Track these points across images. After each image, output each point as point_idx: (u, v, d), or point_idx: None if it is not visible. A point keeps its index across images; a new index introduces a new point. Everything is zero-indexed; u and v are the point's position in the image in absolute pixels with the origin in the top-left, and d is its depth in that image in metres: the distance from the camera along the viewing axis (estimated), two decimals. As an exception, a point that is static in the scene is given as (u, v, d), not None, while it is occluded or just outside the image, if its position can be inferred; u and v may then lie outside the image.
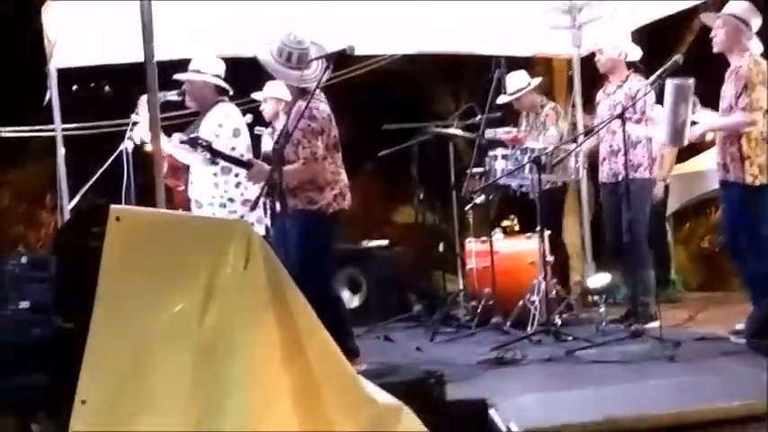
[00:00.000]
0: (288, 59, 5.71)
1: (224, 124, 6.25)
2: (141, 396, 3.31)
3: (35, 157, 13.74)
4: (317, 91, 5.70)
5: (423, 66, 12.54)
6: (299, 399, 3.52)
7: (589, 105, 8.50)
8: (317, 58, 5.67)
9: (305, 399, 3.54)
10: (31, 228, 14.92)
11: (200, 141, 5.73)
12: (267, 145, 7.51)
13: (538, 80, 8.40)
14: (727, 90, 6.17)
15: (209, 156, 5.81)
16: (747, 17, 6.11)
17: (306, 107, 5.48)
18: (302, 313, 3.67)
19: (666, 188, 8.90)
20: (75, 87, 6.98)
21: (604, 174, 7.27)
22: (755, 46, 6.15)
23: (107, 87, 6.94)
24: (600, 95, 7.51)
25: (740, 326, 6.11)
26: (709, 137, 6.62)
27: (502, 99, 7.94)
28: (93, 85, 6.92)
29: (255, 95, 7.83)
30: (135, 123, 6.48)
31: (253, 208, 5.80)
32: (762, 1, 6.29)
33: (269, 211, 6.01)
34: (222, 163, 6.10)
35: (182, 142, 6.11)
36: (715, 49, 6.21)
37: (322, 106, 5.74)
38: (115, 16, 6.96)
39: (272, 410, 3.45)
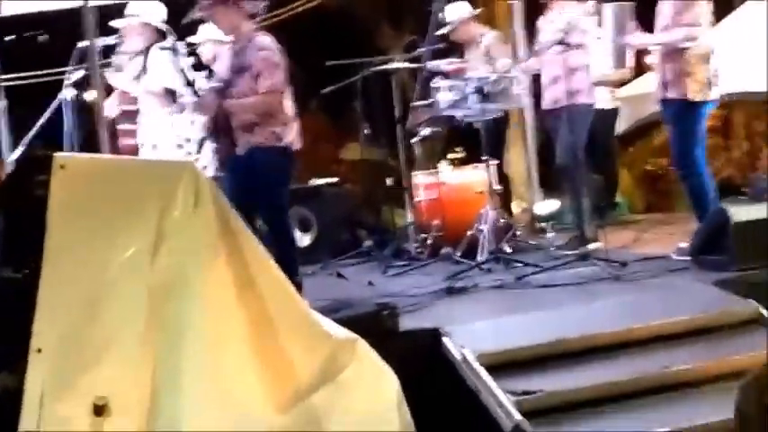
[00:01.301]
0: None
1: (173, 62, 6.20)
2: (97, 341, 3.31)
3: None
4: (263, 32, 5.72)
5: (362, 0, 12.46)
6: (255, 335, 3.54)
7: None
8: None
9: (260, 335, 3.56)
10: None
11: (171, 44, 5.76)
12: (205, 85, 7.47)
13: (477, 11, 8.38)
14: (663, 8, 6.22)
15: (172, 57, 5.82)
16: None
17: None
18: (253, 251, 3.67)
19: (616, 111, 8.94)
20: (11, 37, 6.87)
21: (547, 101, 7.31)
22: None
23: (41, 37, 6.84)
24: (541, 22, 7.50)
25: (683, 244, 6.22)
26: (650, 59, 6.70)
27: (441, 31, 7.89)
28: (28, 34, 6.80)
29: (191, 39, 7.73)
30: (74, 71, 6.39)
31: (198, 150, 5.82)
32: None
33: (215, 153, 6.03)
34: (181, 99, 6.12)
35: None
36: None
37: (277, 44, 5.74)
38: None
39: (227, 347, 3.47)
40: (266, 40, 5.70)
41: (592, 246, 6.61)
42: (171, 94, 6.28)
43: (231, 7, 5.75)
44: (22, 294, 3.40)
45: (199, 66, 7.07)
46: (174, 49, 5.82)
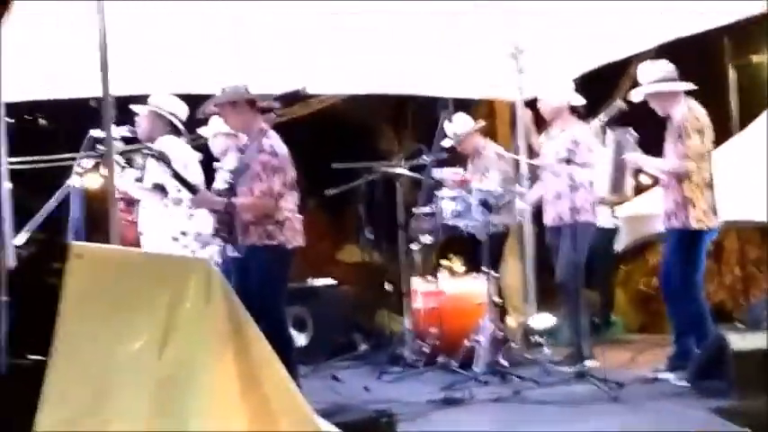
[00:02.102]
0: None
1: (176, 157, 6.27)
2: (100, 430, 3.30)
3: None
4: (273, 132, 5.80)
5: (368, 105, 12.61)
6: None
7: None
8: (276, 98, 5.77)
9: (262, 432, 3.55)
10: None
11: (151, 151, 5.79)
12: (219, 181, 7.52)
13: (480, 124, 8.52)
14: (667, 138, 6.36)
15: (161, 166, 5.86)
16: (672, 76, 6.33)
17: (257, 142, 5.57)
18: (259, 348, 3.70)
19: (615, 230, 9.00)
20: (10, 120, 6.94)
21: (549, 217, 7.37)
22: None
23: (42, 120, 6.91)
24: (542, 139, 7.64)
25: (662, 366, 6.41)
26: (645, 180, 6.83)
27: (446, 143, 8.01)
28: (28, 118, 6.88)
29: (202, 131, 7.80)
30: (87, 157, 6.45)
31: (202, 246, 5.85)
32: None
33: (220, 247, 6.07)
34: (172, 194, 6.18)
35: (128, 150, 6.16)
36: (660, 113, 6.41)
37: (280, 144, 5.84)
38: (57, 49, 6.97)
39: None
40: (270, 141, 5.79)
41: (589, 363, 6.62)
42: (159, 189, 6.34)
43: (243, 106, 5.85)
44: (28, 380, 3.39)
45: (209, 158, 7.15)
46: (159, 158, 5.88)
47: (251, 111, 5.91)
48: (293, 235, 5.84)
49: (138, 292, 3.51)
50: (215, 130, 7.52)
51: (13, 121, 6.71)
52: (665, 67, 6.42)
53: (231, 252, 5.80)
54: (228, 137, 7.24)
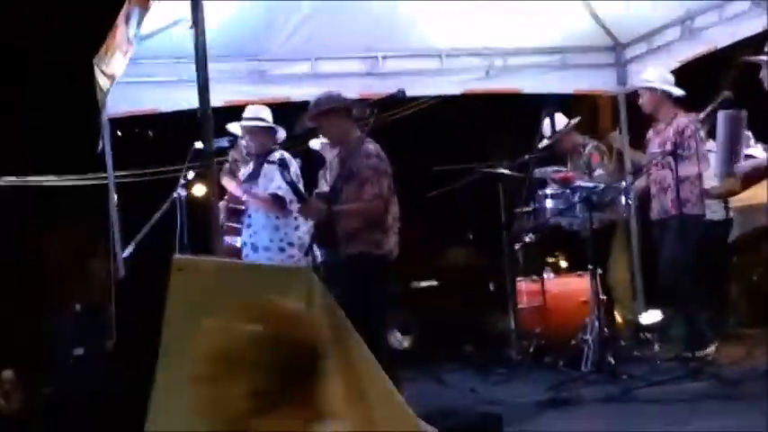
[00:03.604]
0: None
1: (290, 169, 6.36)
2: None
3: (85, 207, 13.92)
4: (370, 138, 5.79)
5: (470, 106, 12.57)
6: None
7: (636, 142, 8.45)
8: (374, 103, 5.76)
9: (367, 443, 3.53)
10: (85, 276, 15.04)
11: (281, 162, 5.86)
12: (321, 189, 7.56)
13: (575, 120, 8.40)
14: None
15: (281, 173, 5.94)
16: None
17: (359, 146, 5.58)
18: (364, 360, 3.67)
19: (728, 222, 8.75)
20: (118, 133, 7.11)
21: (654, 211, 7.22)
22: None
23: (150, 133, 7.08)
24: (650, 134, 7.45)
25: None
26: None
27: (543, 143, 7.90)
28: (136, 131, 7.05)
29: (314, 143, 7.80)
30: (189, 169, 6.58)
31: (307, 253, 5.89)
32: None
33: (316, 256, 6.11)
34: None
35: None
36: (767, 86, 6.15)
37: (382, 151, 5.80)
38: (162, 66, 7.13)
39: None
40: (372, 147, 5.76)
41: (708, 350, 6.44)
42: (279, 200, 6.41)
43: (340, 115, 5.85)
44: (134, 393, 3.45)
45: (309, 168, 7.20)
46: (282, 164, 5.96)
47: (347, 120, 5.89)
48: (396, 244, 5.79)
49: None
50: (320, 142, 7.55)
51: (121, 134, 6.94)
52: None
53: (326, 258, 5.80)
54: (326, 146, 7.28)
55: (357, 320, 5.19)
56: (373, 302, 5.66)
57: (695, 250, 6.95)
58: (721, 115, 6.28)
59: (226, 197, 6.92)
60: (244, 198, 6.66)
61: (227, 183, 6.70)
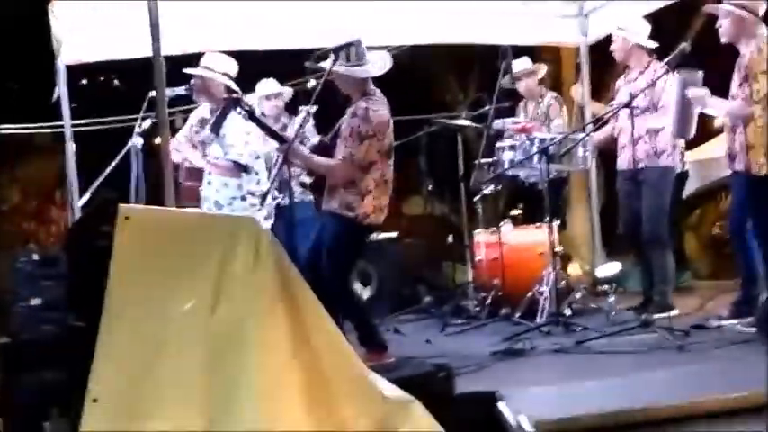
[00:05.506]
0: (347, 59, 5.70)
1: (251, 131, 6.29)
2: (153, 394, 3.33)
3: (43, 154, 13.77)
4: (379, 93, 5.71)
5: (429, 56, 12.51)
6: (309, 394, 3.52)
7: (598, 94, 8.47)
8: (332, 50, 5.66)
9: (315, 394, 3.54)
10: (42, 224, 14.94)
11: (242, 105, 5.78)
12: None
13: (544, 67, 8.39)
14: (734, 79, 6.14)
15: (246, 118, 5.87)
16: (753, 6, 6.03)
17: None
18: (310, 308, 3.66)
19: (684, 175, 8.80)
20: (83, 82, 6.99)
21: (624, 161, 7.12)
22: (764, 32, 6.05)
23: (116, 82, 6.97)
24: (620, 82, 7.36)
25: (725, 313, 6.31)
26: (718, 123, 6.59)
27: (505, 82, 7.82)
28: (101, 79, 6.93)
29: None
30: (144, 119, 6.49)
31: (262, 202, 5.87)
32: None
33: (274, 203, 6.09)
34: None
35: (226, 100, 6.24)
36: (723, 41, 6.15)
37: (381, 110, 5.69)
38: (121, 12, 7.00)
39: (282, 404, 3.45)
40: (363, 105, 5.61)
41: (669, 313, 6.51)
42: (240, 167, 6.35)
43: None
44: (81, 342, 3.43)
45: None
46: (247, 111, 5.83)
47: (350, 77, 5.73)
48: (373, 211, 5.69)
49: (186, 253, 3.51)
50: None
51: (86, 82, 6.83)
52: None
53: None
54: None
55: (320, 276, 5.23)
56: (339, 262, 5.66)
57: (665, 201, 6.97)
58: (677, 77, 6.31)
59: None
60: (207, 169, 6.55)
61: (188, 151, 6.62)
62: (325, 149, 5.86)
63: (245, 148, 6.33)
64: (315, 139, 6.92)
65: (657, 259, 6.99)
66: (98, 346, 3.31)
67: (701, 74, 6.24)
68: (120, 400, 3.26)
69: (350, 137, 5.57)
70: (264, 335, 3.49)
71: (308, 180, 7.43)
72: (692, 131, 6.46)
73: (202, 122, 6.73)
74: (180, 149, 6.61)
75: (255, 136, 6.33)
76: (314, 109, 6.31)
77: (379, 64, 5.84)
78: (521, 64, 8.22)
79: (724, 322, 6.26)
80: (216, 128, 6.43)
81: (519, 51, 8.24)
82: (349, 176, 5.61)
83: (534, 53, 9.29)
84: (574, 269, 8.89)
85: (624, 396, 4.73)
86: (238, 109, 5.80)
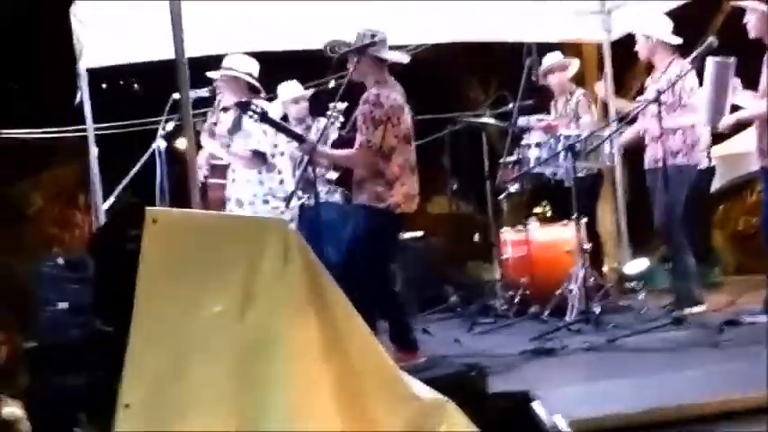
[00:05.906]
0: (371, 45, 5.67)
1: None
2: (183, 397, 3.29)
3: (67, 158, 13.80)
4: (393, 81, 5.68)
5: (451, 55, 12.46)
6: (340, 396, 3.48)
7: (622, 90, 8.38)
8: (351, 50, 5.64)
9: (346, 395, 3.50)
10: (66, 228, 14.97)
11: (252, 108, 5.75)
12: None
13: (577, 61, 8.32)
14: (764, 72, 6.04)
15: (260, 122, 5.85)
16: None
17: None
18: (341, 309, 3.62)
19: (712, 170, 8.69)
20: (103, 86, 6.99)
21: (648, 159, 7.08)
22: None
23: (135, 85, 6.96)
24: (648, 81, 7.29)
25: (758, 308, 6.20)
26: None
27: (536, 77, 7.73)
28: (121, 83, 6.92)
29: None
30: (167, 121, 6.48)
31: (287, 205, 5.84)
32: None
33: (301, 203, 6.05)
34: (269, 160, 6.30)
35: (236, 104, 6.20)
36: (751, 36, 6.06)
37: (393, 95, 5.63)
38: (144, 14, 6.99)
39: (312, 407, 3.42)
40: (375, 92, 5.58)
41: (698, 309, 6.42)
42: (259, 156, 6.32)
43: (362, 58, 5.65)
44: (109, 346, 3.40)
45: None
46: (260, 114, 5.79)
47: (371, 62, 5.68)
48: (404, 200, 5.63)
49: (215, 257, 3.47)
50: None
51: (105, 86, 6.83)
52: None
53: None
54: None
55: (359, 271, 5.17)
56: (375, 256, 5.61)
57: (680, 199, 6.89)
58: (710, 63, 6.17)
59: (206, 153, 6.83)
60: (225, 158, 6.55)
61: (208, 142, 6.61)
62: (344, 144, 5.82)
63: (264, 138, 6.30)
64: (334, 135, 6.89)
65: (677, 256, 6.91)
66: (128, 351, 3.27)
67: (733, 60, 6.11)
68: (152, 406, 3.22)
69: (363, 124, 5.53)
70: (294, 338, 3.46)
71: (333, 175, 7.38)
72: (724, 120, 6.29)
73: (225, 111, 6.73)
74: (203, 143, 6.60)
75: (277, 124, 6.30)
76: (343, 106, 6.28)
77: (396, 57, 5.81)
78: (553, 57, 8.17)
79: (758, 318, 6.15)
80: (234, 130, 6.44)
81: (541, 48, 8.17)
82: (369, 163, 5.55)
83: (556, 49, 9.22)
84: (603, 267, 8.80)
85: (658, 394, 4.66)
86: (249, 113, 5.76)
